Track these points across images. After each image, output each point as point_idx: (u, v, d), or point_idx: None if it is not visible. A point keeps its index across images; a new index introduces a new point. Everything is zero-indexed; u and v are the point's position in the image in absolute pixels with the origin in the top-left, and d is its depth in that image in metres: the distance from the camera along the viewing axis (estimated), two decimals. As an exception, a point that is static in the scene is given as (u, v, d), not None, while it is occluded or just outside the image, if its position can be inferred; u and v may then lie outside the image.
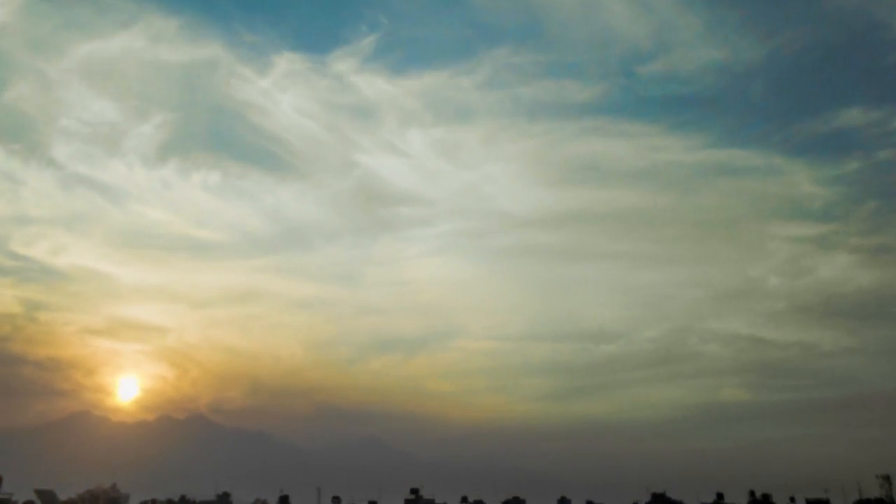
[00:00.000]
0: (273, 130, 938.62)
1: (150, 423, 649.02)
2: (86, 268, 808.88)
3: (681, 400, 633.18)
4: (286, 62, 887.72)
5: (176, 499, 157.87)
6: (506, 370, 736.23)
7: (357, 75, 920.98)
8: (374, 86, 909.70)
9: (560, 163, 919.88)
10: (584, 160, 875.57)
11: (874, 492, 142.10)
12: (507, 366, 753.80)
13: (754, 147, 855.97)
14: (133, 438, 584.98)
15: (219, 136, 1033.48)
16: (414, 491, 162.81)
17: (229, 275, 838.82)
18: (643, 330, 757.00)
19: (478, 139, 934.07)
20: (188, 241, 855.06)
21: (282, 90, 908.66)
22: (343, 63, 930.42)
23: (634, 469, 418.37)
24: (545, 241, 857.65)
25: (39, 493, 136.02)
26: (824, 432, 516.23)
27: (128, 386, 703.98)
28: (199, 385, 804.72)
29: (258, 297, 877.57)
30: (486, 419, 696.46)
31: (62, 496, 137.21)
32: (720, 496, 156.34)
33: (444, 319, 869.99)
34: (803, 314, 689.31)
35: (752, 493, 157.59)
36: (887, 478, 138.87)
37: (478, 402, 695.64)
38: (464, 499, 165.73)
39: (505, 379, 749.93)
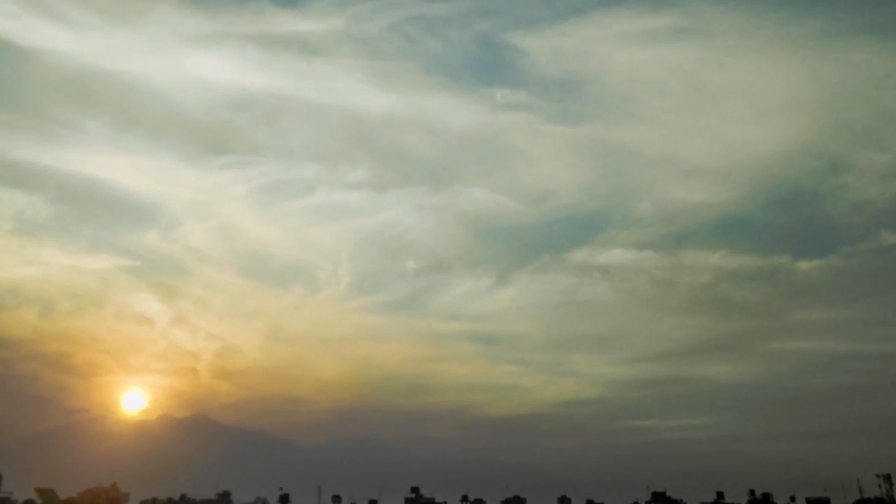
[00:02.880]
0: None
1: (151, 422, 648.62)
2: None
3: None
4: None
5: (176, 498, 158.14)
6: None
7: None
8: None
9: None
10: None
11: (874, 491, 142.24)
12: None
13: None
14: (133, 438, 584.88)
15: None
16: (414, 490, 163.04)
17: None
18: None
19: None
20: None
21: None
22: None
23: (634, 469, 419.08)
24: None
25: (39, 492, 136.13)
26: None
27: (128, 385, 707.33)
28: (200, 384, 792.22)
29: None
30: (488, 418, 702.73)
31: (62, 496, 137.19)
32: (720, 495, 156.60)
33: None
34: None
35: (752, 493, 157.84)
36: (887, 477, 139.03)
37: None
38: (464, 498, 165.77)
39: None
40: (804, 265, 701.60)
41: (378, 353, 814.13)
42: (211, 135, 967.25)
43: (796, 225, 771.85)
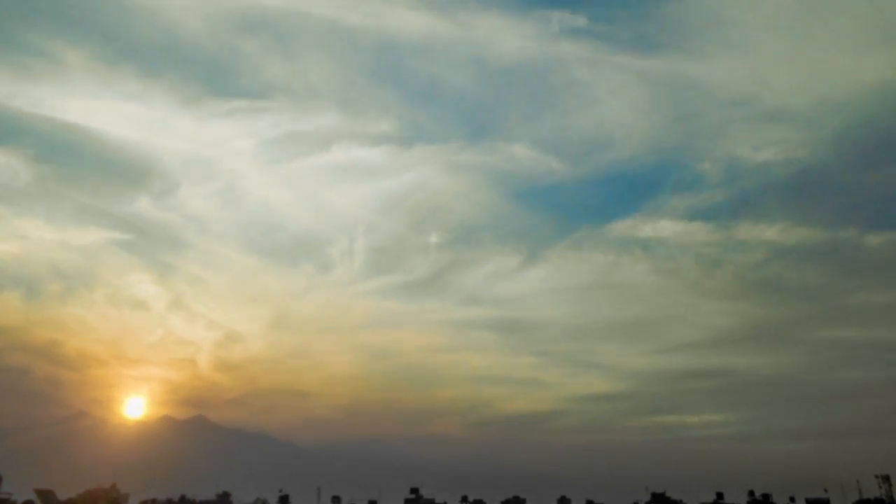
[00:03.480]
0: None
1: (150, 423, 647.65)
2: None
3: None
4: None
5: (176, 499, 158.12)
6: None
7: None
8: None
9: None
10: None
11: (874, 492, 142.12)
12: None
13: None
14: (133, 438, 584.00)
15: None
16: (414, 491, 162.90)
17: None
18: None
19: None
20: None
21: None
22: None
23: (634, 469, 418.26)
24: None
25: (39, 493, 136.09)
26: None
27: (124, 379, 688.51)
28: (199, 377, 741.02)
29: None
30: (501, 415, 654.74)
31: (62, 496, 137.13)
32: (720, 496, 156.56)
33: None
34: None
35: (751, 493, 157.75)
36: (887, 478, 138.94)
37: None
38: (464, 499, 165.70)
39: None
40: (873, 239, 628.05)
41: (390, 343, 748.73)
42: (214, 68, 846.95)
43: (875, 188, 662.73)
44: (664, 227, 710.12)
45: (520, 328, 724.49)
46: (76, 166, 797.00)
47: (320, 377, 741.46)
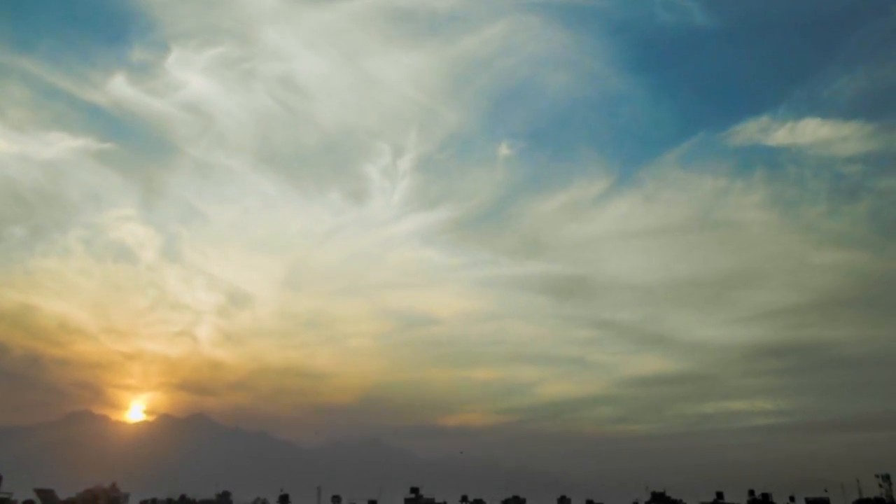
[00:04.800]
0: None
1: (150, 422, 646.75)
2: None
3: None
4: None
5: (176, 498, 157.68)
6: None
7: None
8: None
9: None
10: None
11: (874, 491, 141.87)
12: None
13: None
14: (133, 438, 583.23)
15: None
16: (414, 491, 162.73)
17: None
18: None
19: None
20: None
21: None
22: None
23: (634, 469, 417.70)
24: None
25: (39, 492, 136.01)
26: None
27: (114, 357, 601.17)
28: (199, 356, 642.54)
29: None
30: (523, 405, 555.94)
31: (62, 496, 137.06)
32: (720, 495, 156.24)
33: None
34: None
35: (751, 493, 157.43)
36: (887, 477, 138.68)
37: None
38: (464, 498, 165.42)
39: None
40: None
41: (422, 307, 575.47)
42: None
43: None
44: (806, 130, 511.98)
45: (580, 290, 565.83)
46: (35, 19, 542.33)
47: (336, 354, 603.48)
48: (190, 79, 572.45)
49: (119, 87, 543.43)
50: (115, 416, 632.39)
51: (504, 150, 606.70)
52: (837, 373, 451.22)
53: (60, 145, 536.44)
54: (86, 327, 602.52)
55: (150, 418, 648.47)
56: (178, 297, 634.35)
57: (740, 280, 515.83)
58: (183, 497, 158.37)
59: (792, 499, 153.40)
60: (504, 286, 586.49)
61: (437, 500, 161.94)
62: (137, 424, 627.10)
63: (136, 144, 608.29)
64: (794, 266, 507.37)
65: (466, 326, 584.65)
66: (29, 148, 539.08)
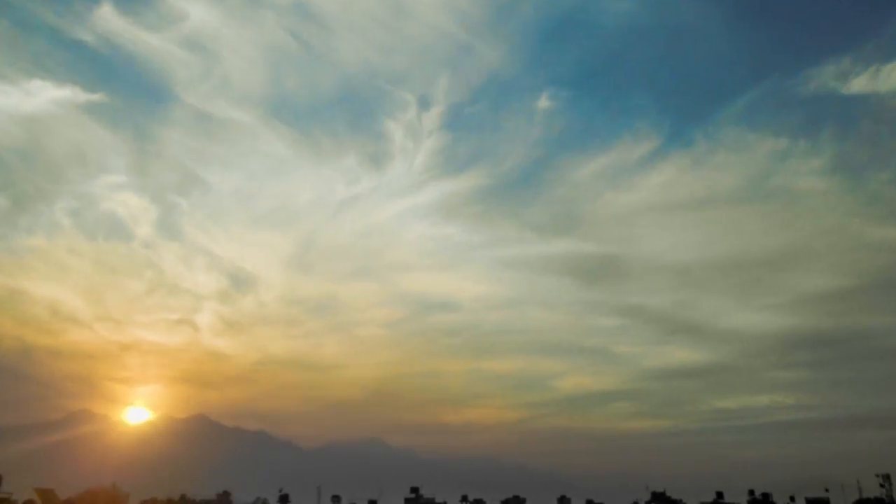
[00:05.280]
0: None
1: (151, 422, 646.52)
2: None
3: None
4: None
5: (176, 498, 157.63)
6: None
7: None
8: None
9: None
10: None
11: (874, 491, 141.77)
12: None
13: None
14: (133, 438, 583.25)
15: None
16: (414, 490, 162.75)
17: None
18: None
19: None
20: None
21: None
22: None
23: (634, 469, 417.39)
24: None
25: (39, 492, 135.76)
26: None
27: (109, 347, 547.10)
28: (199, 347, 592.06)
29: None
30: (540, 400, 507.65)
31: (62, 496, 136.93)
32: (720, 495, 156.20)
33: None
34: None
35: (751, 493, 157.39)
36: (887, 477, 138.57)
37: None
38: (464, 498, 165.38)
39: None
40: None
41: (439, 292, 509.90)
42: None
43: None
44: (892, 76, 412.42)
45: (609, 272, 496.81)
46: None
47: (344, 344, 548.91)
48: (189, 8, 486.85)
49: (107, 19, 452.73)
50: (114, 414, 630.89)
51: (544, 101, 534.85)
52: (871, 365, 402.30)
53: (43, 96, 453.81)
54: (78, 314, 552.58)
55: (151, 418, 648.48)
56: (176, 279, 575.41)
57: (786, 260, 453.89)
58: (183, 497, 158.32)
59: (792, 499, 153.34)
60: (528, 267, 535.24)
61: (437, 500, 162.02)
62: (137, 424, 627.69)
63: (128, 92, 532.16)
64: (849, 244, 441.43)
65: (484, 313, 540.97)
66: (10, 100, 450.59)
